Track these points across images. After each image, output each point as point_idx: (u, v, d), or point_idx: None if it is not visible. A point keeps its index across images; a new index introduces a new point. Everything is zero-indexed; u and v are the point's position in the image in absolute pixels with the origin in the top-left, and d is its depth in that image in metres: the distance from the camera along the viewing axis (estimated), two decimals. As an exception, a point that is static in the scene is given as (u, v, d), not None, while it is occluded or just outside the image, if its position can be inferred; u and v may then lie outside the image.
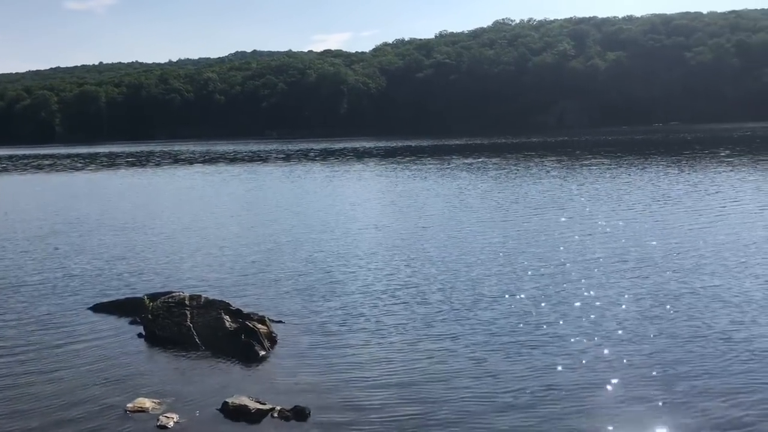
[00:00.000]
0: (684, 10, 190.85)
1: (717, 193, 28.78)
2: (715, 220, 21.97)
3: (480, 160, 55.73)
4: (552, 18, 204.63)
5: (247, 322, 11.64)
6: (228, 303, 12.64)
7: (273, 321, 12.35)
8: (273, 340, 11.57)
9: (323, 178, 45.01)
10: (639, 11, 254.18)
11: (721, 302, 12.75)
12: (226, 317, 11.91)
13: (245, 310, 12.34)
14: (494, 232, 21.20)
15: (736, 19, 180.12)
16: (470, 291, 14.32)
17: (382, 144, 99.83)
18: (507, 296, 13.80)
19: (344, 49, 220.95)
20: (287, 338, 11.72)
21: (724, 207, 24.70)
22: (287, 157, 73.58)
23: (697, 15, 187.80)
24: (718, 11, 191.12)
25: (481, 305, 13.24)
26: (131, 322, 12.88)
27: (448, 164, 51.75)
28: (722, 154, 51.29)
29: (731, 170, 38.25)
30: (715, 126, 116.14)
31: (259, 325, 11.64)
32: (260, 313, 12.37)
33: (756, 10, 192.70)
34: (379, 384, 9.60)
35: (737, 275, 14.67)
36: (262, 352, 11.06)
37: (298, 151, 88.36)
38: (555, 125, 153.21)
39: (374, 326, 12.18)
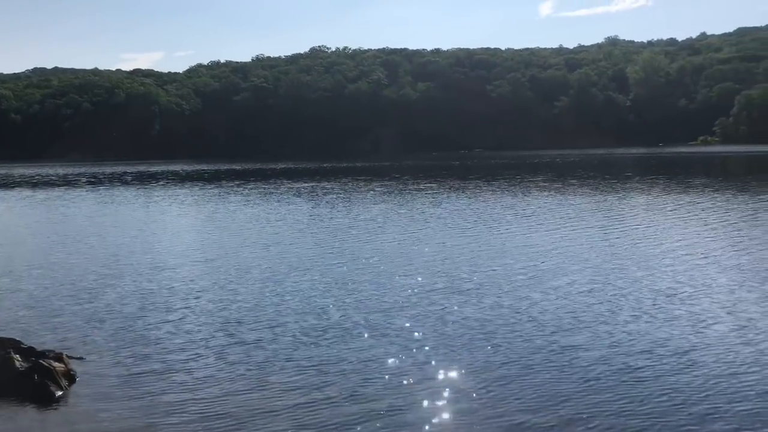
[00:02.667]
0: (485, 46, 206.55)
1: (530, 215, 31.15)
2: (522, 239, 23.82)
3: (307, 184, 55.78)
4: (366, 47, 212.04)
5: (41, 361, 10.69)
6: (18, 341, 11.55)
7: (72, 358, 11.46)
8: (72, 378, 10.73)
9: (141, 204, 42.66)
10: (445, 45, 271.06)
11: (517, 314, 13.83)
12: (16, 356, 10.85)
13: (40, 348, 11.35)
14: (314, 254, 21.35)
15: (529, 56, 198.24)
16: (286, 322, 14.28)
17: (203, 167, 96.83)
18: (329, 327, 13.93)
19: (156, 69, 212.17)
20: (88, 377, 10.90)
21: (534, 227, 26.87)
22: (99, 181, 68.57)
23: (497, 51, 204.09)
24: (515, 48, 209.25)
25: (300, 334, 13.23)
26: None
27: (275, 189, 51.24)
28: (537, 178, 55.82)
29: (539, 192, 41.73)
30: (516, 153, 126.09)
31: (56, 363, 10.73)
32: (58, 351, 11.44)
33: (546, 48, 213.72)
34: (188, 423, 9.20)
35: (547, 290, 16.01)
36: (59, 393, 10.21)
37: (110, 174, 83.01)
38: (371, 151, 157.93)
39: (183, 363, 11.59)
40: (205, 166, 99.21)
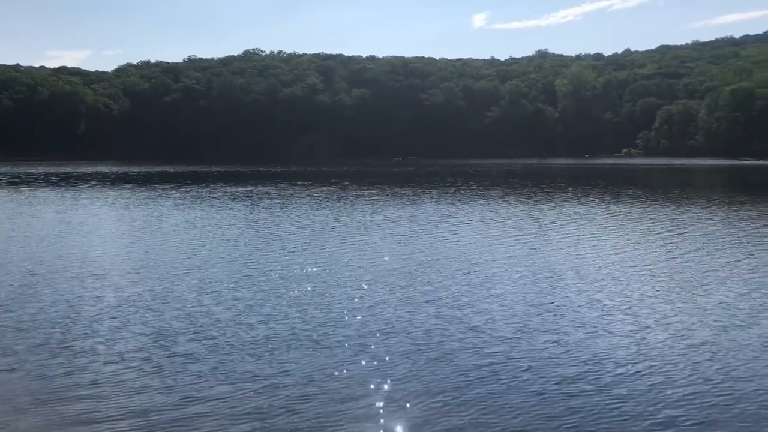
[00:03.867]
0: (420, 55, 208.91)
1: (468, 223, 31.45)
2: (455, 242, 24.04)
3: (243, 188, 54.69)
4: (301, 52, 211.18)
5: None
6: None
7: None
8: (-6, 392, 10.13)
9: (68, 206, 40.75)
10: (381, 53, 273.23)
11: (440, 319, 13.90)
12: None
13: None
14: (252, 261, 20.95)
15: (462, 67, 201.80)
16: (221, 333, 13.92)
17: (133, 169, 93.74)
18: (265, 338, 13.65)
19: (83, 68, 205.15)
20: (8, 390, 10.33)
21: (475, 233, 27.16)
22: (22, 182, 65.25)
23: (431, 60, 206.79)
24: (449, 58, 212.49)
25: (235, 345, 12.92)
26: None
27: (210, 193, 49.90)
28: (474, 186, 56.51)
29: (477, 201, 42.25)
30: (449, 161, 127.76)
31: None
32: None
33: (479, 59, 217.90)
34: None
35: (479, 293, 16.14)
36: (-20, 408, 9.61)
37: (34, 175, 79.36)
38: (304, 156, 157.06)
39: (113, 375, 11.13)
40: (135, 168, 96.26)
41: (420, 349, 12.32)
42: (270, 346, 12.53)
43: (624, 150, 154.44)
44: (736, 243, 24.57)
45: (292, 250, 23.48)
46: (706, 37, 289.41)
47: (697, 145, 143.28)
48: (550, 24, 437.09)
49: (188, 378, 10.90)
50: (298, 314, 14.71)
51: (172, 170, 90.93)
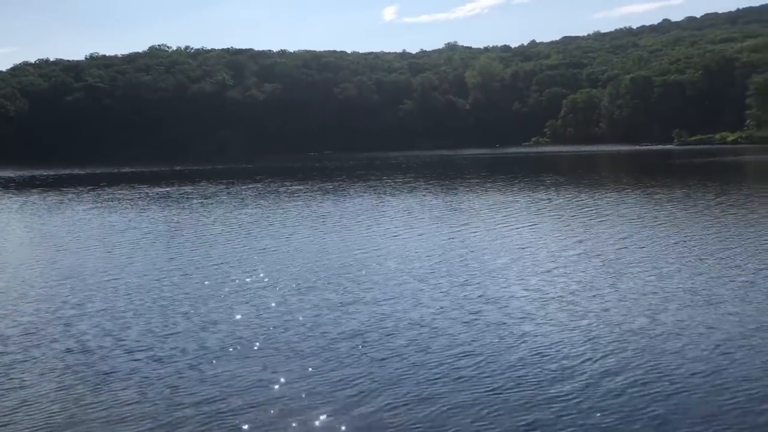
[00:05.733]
0: (332, 49, 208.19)
1: (395, 216, 31.79)
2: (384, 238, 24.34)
3: (160, 189, 52.94)
4: (209, 47, 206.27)
5: None
6: None
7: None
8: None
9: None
10: (292, 47, 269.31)
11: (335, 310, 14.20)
12: None
13: None
14: (175, 265, 20.53)
15: (374, 60, 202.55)
16: (145, 346, 13.68)
17: (38, 173, 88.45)
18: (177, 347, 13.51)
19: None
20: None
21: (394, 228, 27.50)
22: None
23: (343, 54, 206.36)
24: (360, 51, 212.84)
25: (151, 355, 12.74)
26: None
27: (126, 195, 48.08)
28: (396, 179, 56.91)
29: (400, 193, 42.68)
30: (365, 154, 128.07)
31: None
32: None
33: (390, 53, 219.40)
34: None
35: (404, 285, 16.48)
36: None
37: None
38: (216, 153, 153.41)
39: (37, 397, 10.87)
40: (40, 172, 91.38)
41: (365, 350, 12.53)
42: (198, 358, 12.38)
43: (533, 139, 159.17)
44: (655, 227, 26.01)
45: (221, 250, 23.17)
46: (606, 28, 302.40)
47: (601, 132, 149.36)
48: (458, 17, 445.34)
49: (106, 395, 10.66)
50: (222, 324, 14.62)
51: (81, 172, 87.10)
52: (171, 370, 11.37)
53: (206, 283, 17.82)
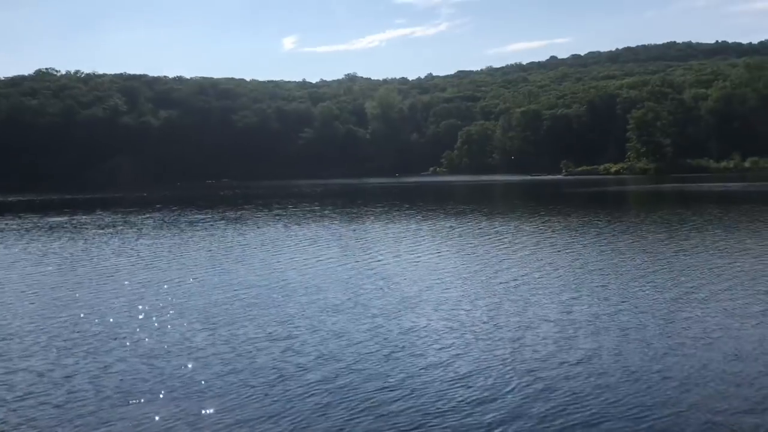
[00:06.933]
0: (230, 76, 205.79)
1: (311, 245, 31.30)
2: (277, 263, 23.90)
3: (58, 219, 49.85)
4: (101, 72, 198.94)
5: None
6: None
7: None
8: None
9: None
10: (188, 73, 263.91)
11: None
12: None
13: None
14: (82, 295, 19.30)
15: (274, 88, 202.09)
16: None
17: None
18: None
19: None
20: None
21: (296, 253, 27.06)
22: None
23: (241, 81, 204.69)
24: (259, 79, 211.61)
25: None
26: None
27: (19, 226, 45.11)
28: (303, 207, 56.19)
29: (308, 221, 42.12)
30: (265, 183, 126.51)
31: None
32: None
33: (290, 82, 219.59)
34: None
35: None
36: None
37: None
38: (108, 181, 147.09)
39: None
40: None
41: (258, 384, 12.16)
42: (100, 402, 11.69)
43: (431, 168, 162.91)
44: (554, 253, 26.94)
45: (117, 288, 22.01)
46: (498, 64, 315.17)
47: (495, 163, 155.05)
48: (357, 48, 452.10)
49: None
50: (122, 364, 13.86)
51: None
52: (72, 415, 10.56)
53: (109, 320, 16.80)
